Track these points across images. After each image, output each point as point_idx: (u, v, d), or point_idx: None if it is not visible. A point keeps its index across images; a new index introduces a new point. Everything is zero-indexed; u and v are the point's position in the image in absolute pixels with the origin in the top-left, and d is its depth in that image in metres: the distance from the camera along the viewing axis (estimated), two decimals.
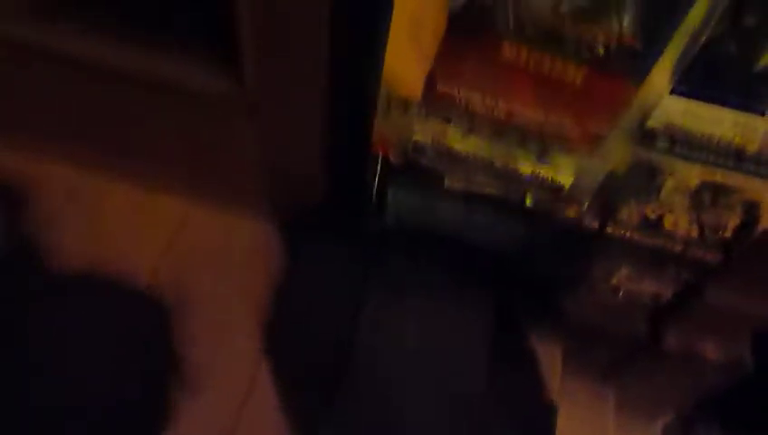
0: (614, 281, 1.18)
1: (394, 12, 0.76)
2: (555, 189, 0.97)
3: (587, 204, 1.00)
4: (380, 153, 1.03)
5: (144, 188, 1.32)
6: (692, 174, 0.88)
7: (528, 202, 1.02)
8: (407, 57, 0.82)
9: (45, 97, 1.22)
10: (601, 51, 0.73)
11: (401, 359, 1.20)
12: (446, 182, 1.04)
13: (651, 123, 0.81)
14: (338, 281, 1.28)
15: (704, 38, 0.69)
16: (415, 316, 1.23)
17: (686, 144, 0.83)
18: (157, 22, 1.06)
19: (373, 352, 1.20)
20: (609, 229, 1.04)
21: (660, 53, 0.72)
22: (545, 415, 1.30)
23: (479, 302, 1.26)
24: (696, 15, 0.67)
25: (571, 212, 1.03)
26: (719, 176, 0.87)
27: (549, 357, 1.37)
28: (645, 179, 0.92)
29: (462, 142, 0.93)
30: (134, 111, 1.13)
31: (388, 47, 0.81)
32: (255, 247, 1.31)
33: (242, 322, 1.24)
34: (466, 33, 0.76)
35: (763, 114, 0.75)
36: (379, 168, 1.06)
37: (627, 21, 0.69)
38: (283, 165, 1.13)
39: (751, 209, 0.90)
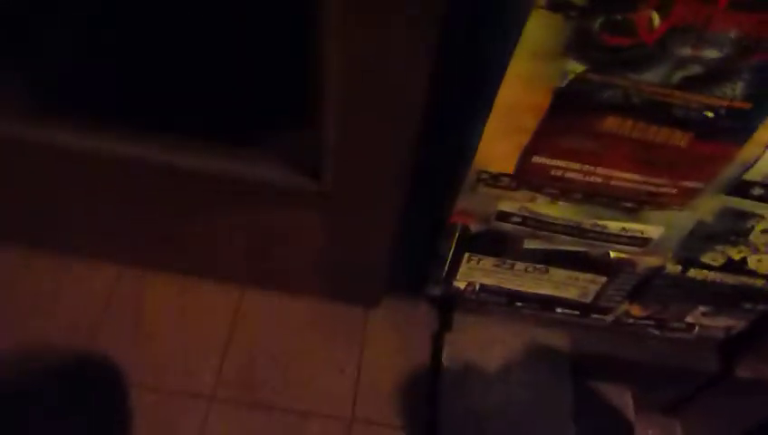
0: (689, 319, 1.18)
1: (498, 97, 0.75)
2: (642, 242, 0.97)
3: (672, 252, 1.00)
4: (459, 223, 1.01)
5: (198, 279, 1.28)
6: None
7: (612, 255, 1.02)
8: (503, 135, 0.81)
9: (90, 195, 1.17)
10: (710, 115, 0.73)
11: (487, 419, 1.17)
12: (526, 244, 1.03)
13: (749, 176, 0.82)
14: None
15: None
16: (495, 374, 1.21)
17: None
18: (228, 117, 1.04)
19: (457, 419, 1.17)
20: (691, 274, 1.05)
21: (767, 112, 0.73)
22: None
23: (555, 351, 1.25)
24: None
25: (654, 261, 1.03)
26: None
27: (621, 398, 1.37)
28: (733, 224, 0.92)
29: (551, 208, 0.92)
30: (196, 206, 1.09)
31: (486, 130, 0.80)
32: (319, 325, 1.27)
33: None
34: (570, 109, 0.75)
35: None
36: (456, 236, 1.04)
37: (740, 88, 0.69)
38: (351, 255, 1.11)
39: None
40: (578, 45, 0.68)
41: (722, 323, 1.19)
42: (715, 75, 0.69)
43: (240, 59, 1.08)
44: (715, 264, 1.01)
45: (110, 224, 1.19)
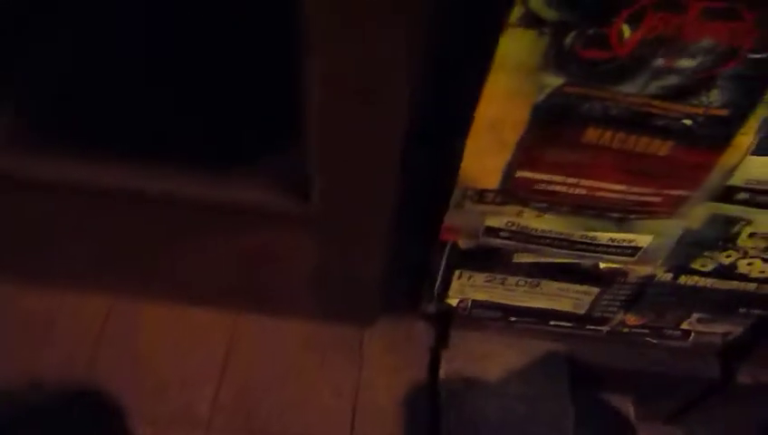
0: (685, 326, 1.18)
1: (477, 114, 0.76)
2: (632, 251, 0.97)
3: (661, 260, 1.00)
4: (449, 240, 1.01)
5: (189, 306, 1.27)
6: None
7: (602, 265, 1.02)
8: (486, 151, 0.82)
9: (79, 227, 1.18)
10: (688, 123, 0.74)
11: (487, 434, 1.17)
12: (516, 258, 1.03)
13: (733, 181, 0.82)
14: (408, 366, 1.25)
15: None
16: (494, 388, 1.20)
17: (765, 193, 0.84)
18: (213, 141, 1.04)
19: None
20: (682, 280, 1.04)
21: (745, 118, 0.73)
22: None
23: (553, 363, 1.25)
24: None
25: (645, 270, 1.03)
26: None
27: (622, 406, 1.36)
28: (721, 230, 0.93)
29: (538, 221, 0.92)
30: (186, 232, 1.09)
31: (468, 146, 0.81)
32: (314, 347, 1.27)
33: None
34: (549, 122, 0.76)
35: None
36: (446, 253, 1.04)
37: (714, 95, 0.70)
38: (344, 275, 1.11)
39: None
40: (553, 60, 0.68)
41: (718, 330, 1.18)
42: (690, 84, 0.69)
43: (223, 83, 1.09)
44: (706, 269, 1.01)
45: (101, 254, 1.20)
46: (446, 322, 1.25)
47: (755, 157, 0.79)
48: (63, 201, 1.08)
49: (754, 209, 0.87)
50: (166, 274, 1.21)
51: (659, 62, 0.68)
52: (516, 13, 0.65)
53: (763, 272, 1.01)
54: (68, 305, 1.28)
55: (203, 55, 1.09)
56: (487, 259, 1.05)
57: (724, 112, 0.72)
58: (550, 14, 0.63)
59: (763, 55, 0.66)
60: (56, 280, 1.28)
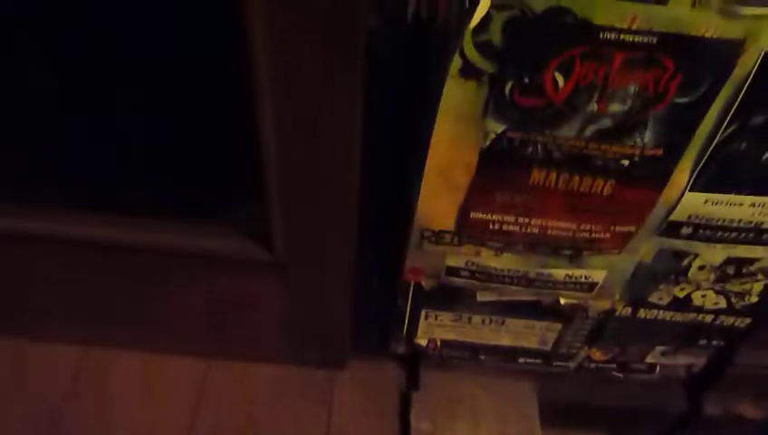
0: (650, 359, 1.20)
1: (427, 159, 0.80)
2: (588, 287, 1.00)
3: (618, 295, 1.03)
4: (412, 281, 1.04)
5: (156, 354, 1.27)
6: (716, 253, 0.93)
7: (562, 301, 1.04)
8: (439, 194, 0.85)
9: (47, 277, 1.18)
10: (626, 163, 0.78)
11: None
12: (479, 296, 1.06)
13: (675, 217, 0.86)
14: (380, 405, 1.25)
15: (716, 139, 0.75)
16: (465, 430, 1.21)
17: (709, 229, 0.88)
18: (176, 191, 1.06)
19: None
20: (641, 314, 1.07)
21: (680, 157, 0.78)
22: None
23: (524, 401, 1.26)
24: (708, 122, 0.74)
25: (603, 304, 1.05)
26: (741, 250, 0.92)
27: None
28: (671, 264, 0.96)
29: (496, 260, 0.95)
30: (149, 281, 1.11)
31: (422, 190, 0.84)
32: (284, 392, 1.26)
33: None
34: (496, 166, 0.80)
35: None
36: (410, 294, 1.07)
37: (648, 136, 0.75)
38: (312, 319, 1.13)
39: None
40: (494, 108, 0.73)
41: (682, 362, 1.21)
42: (623, 126, 0.74)
43: (182, 132, 1.10)
44: (663, 303, 1.04)
45: (69, 304, 1.20)
46: (416, 362, 1.26)
47: (694, 193, 0.83)
48: (28, 252, 1.09)
49: (699, 243, 0.91)
50: (135, 323, 1.21)
51: (593, 107, 0.72)
52: (456, 64, 0.69)
53: (717, 303, 1.04)
54: (34, 357, 1.27)
55: (162, 110, 1.10)
56: (452, 299, 1.07)
57: (659, 152, 0.77)
58: (486, 65, 0.68)
59: (688, 99, 0.71)
60: (22, 331, 1.27)
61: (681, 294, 1.02)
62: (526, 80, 0.70)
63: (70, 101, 1.19)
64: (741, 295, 1.02)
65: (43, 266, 1.13)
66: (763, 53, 0.67)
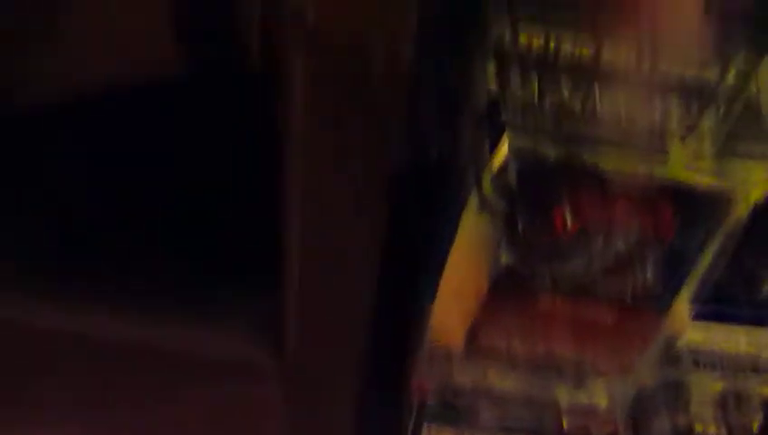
0: None
1: (442, 281, 0.84)
2: (591, 411, 1.01)
3: (621, 420, 1.04)
4: (417, 396, 1.05)
5: None
6: (715, 385, 0.96)
7: (564, 425, 1.05)
8: (451, 315, 0.89)
9: (48, 375, 1.18)
10: (629, 295, 0.82)
11: None
12: (482, 418, 1.06)
13: (677, 347, 0.90)
14: None
15: (713, 277, 0.81)
16: None
17: (709, 362, 0.91)
18: (184, 292, 1.09)
19: None
20: None
21: (678, 292, 0.82)
22: None
23: None
24: (704, 263, 0.79)
25: (606, 429, 1.06)
26: (739, 383, 0.95)
27: None
28: (673, 394, 0.98)
29: (502, 381, 0.97)
30: (158, 383, 1.11)
31: (435, 310, 0.88)
32: None
33: None
34: (505, 292, 0.84)
35: None
36: (415, 409, 1.07)
37: (649, 272, 0.80)
38: (315, 430, 1.13)
39: None
40: (506, 241, 0.78)
41: None
42: (626, 263, 0.79)
43: (191, 230, 1.11)
44: (665, 430, 1.05)
45: (67, 403, 1.19)
46: None
47: (695, 325, 0.87)
48: (31, 346, 1.10)
49: (701, 376, 0.94)
50: (134, 427, 1.20)
51: (599, 243, 0.78)
52: (474, 200, 0.75)
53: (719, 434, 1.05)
54: None
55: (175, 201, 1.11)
56: (455, 416, 1.08)
57: (659, 287, 0.82)
58: (500, 204, 0.74)
59: (685, 242, 0.76)
60: (18, 428, 1.25)
61: (682, 424, 1.03)
62: (537, 219, 0.75)
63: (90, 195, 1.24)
64: (742, 429, 1.03)
65: (41, 363, 1.13)
66: (753, 204, 0.73)
